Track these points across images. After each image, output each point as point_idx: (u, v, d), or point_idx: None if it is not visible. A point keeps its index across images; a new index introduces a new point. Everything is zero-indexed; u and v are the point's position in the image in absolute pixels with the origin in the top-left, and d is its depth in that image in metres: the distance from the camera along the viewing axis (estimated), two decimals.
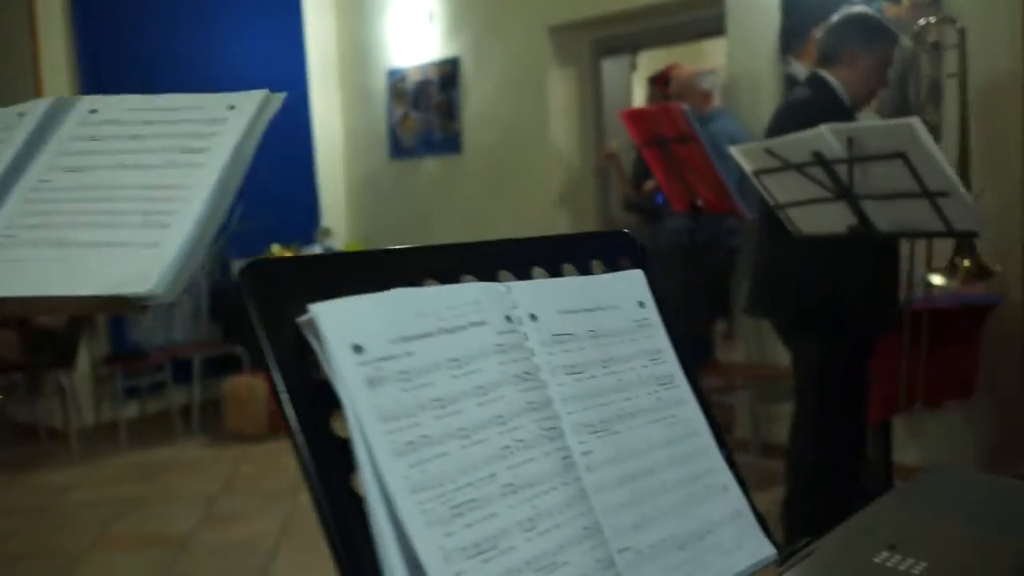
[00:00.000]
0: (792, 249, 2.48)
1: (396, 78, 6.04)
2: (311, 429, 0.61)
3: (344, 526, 0.60)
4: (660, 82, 3.98)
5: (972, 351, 3.27)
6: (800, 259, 2.54)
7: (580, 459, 0.74)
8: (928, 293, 2.86)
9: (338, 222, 6.26)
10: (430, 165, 5.83)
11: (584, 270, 0.89)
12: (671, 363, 0.89)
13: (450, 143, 5.68)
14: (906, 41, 3.57)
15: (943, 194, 1.93)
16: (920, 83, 3.64)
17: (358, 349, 0.64)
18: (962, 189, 1.91)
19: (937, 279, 3.11)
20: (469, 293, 0.74)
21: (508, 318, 0.76)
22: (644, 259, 0.94)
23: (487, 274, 0.79)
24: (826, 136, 1.97)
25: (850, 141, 1.95)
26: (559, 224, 5.00)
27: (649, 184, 3.89)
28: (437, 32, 5.69)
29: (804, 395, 2.74)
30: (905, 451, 3.28)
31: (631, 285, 0.91)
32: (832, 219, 2.13)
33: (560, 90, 5.19)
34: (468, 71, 5.56)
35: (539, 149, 5.17)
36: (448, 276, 0.76)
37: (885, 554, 0.98)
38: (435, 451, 0.64)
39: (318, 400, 0.62)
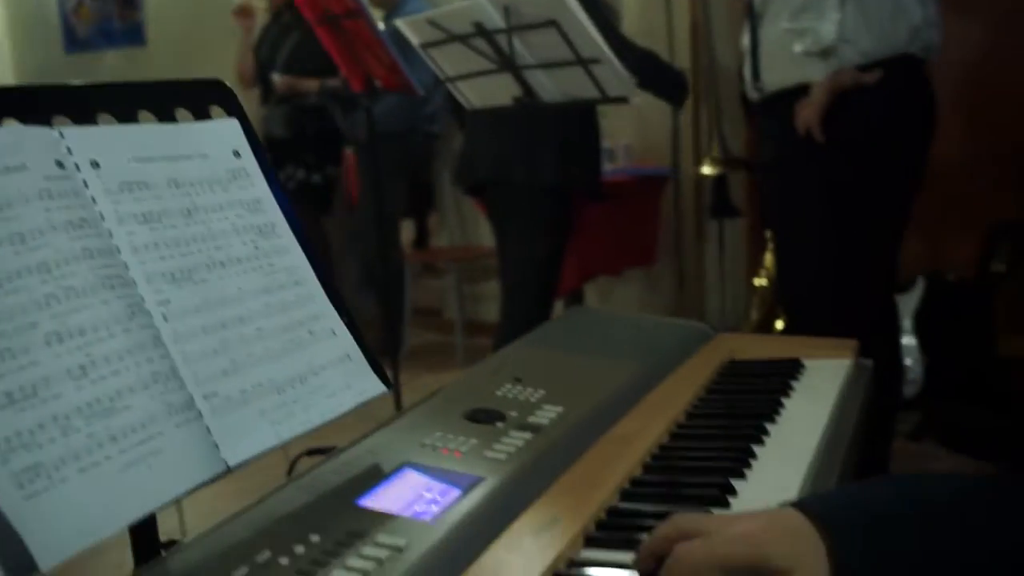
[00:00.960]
0: (494, 122, 2.42)
1: None
2: None
3: None
4: None
5: (651, 221, 3.53)
6: (498, 131, 2.50)
7: (155, 308, 0.71)
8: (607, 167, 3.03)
9: None
10: (112, 58, 5.36)
11: (167, 119, 0.84)
12: (272, 212, 0.87)
13: (133, 34, 5.23)
14: None
15: (595, 61, 2.01)
16: None
17: None
18: (612, 56, 2.00)
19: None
20: (4, 136, 0.68)
21: (60, 163, 0.70)
22: (239, 108, 0.90)
23: (39, 119, 0.72)
24: (484, 5, 1.98)
25: (506, 10, 1.97)
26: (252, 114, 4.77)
27: (305, 82, 3.86)
28: None
29: (513, 270, 2.73)
30: None
31: (224, 134, 0.87)
32: (500, 91, 2.17)
33: None
34: None
35: (229, 39, 4.87)
36: None
37: (508, 386, 1.04)
38: None
39: None
